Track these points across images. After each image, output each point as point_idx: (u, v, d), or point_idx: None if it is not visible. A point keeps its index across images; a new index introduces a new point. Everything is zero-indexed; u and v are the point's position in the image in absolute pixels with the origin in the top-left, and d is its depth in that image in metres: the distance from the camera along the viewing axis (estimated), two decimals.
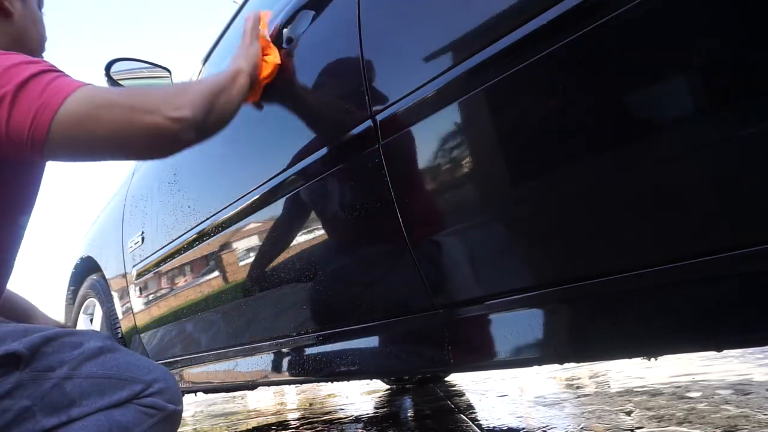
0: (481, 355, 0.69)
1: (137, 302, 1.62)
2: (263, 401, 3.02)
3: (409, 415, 1.86)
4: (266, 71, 0.93)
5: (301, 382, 1.12)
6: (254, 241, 1.10)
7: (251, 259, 1.11)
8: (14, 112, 0.67)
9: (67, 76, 0.73)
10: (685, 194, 0.49)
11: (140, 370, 0.81)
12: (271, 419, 2.21)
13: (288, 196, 0.96)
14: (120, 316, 1.72)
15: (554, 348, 0.61)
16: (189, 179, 1.35)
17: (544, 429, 1.30)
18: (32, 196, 0.85)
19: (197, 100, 0.75)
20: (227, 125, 0.82)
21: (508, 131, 0.63)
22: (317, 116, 0.91)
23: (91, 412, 0.74)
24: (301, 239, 0.97)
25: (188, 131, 0.74)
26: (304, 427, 1.86)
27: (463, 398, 1.98)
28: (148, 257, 1.51)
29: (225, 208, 1.13)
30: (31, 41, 0.86)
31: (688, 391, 1.48)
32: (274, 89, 1.04)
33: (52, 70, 0.72)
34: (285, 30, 0.99)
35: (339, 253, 0.92)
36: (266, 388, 2.33)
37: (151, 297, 1.55)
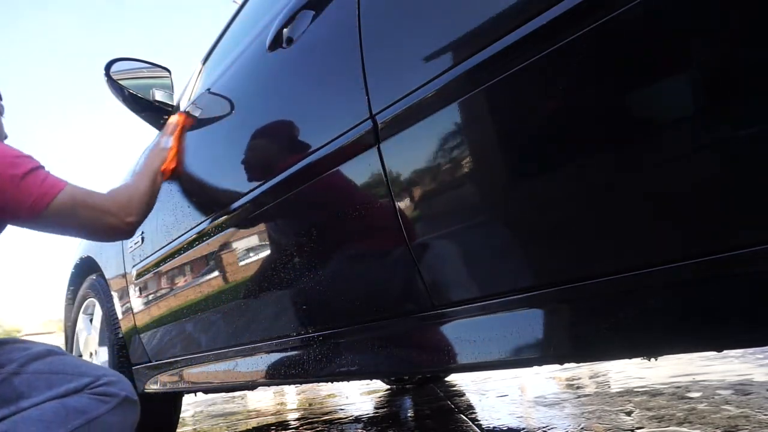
0: (480, 355, 0.69)
1: (137, 302, 1.62)
2: (263, 401, 3.02)
3: (409, 415, 1.86)
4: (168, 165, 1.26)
5: (301, 382, 1.12)
6: (254, 241, 1.10)
7: (251, 259, 1.11)
8: (20, 189, 0.90)
9: (50, 173, 0.99)
10: (684, 194, 0.49)
11: (88, 368, 0.90)
12: (271, 419, 2.21)
13: (288, 196, 0.96)
14: (120, 316, 1.72)
15: (554, 348, 0.61)
16: (189, 179, 1.35)
17: (544, 429, 1.30)
18: None
19: (141, 208, 1.10)
20: None
21: (508, 131, 0.63)
22: (317, 116, 0.91)
23: (42, 402, 0.82)
24: (301, 239, 0.96)
25: (132, 230, 1.09)
26: (304, 427, 1.86)
27: (463, 398, 1.98)
28: (147, 257, 1.51)
29: (225, 208, 1.13)
30: None
31: (688, 391, 1.48)
32: (274, 89, 1.04)
33: (42, 167, 0.97)
34: (285, 30, 0.99)
35: (339, 254, 0.92)
36: (266, 388, 2.33)
37: (150, 297, 1.54)
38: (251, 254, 1.11)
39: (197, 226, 1.24)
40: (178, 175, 1.31)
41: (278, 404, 2.78)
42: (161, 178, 1.22)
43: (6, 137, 1.13)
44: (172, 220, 1.37)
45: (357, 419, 1.87)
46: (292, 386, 3.08)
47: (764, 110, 0.43)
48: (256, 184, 1.03)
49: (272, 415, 2.36)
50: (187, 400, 3.47)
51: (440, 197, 0.71)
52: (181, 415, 1.92)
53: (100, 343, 1.81)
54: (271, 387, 2.08)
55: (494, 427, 1.40)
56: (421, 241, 0.74)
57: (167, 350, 1.54)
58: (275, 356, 1.10)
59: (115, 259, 1.74)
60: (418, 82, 0.69)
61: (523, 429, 1.35)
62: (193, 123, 1.32)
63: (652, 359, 1.07)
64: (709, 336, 0.50)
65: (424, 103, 0.68)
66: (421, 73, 0.69)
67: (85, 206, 0.99)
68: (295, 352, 1.04)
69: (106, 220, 1.02)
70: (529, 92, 0.59)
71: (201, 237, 1.24)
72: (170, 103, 1.52)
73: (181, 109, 1.46)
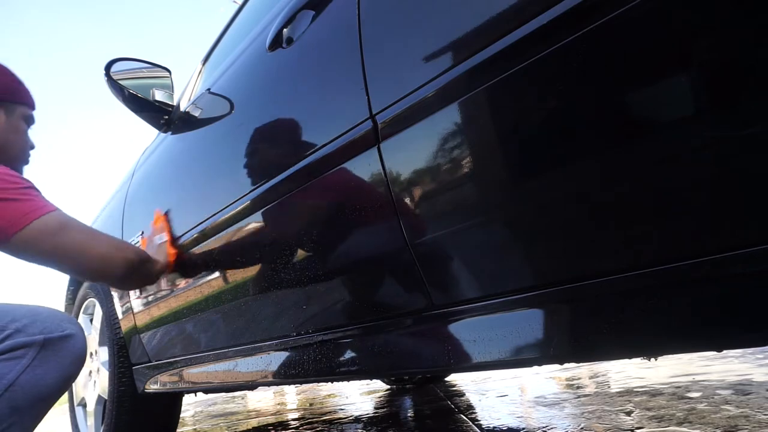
0: (480, 355, 0.69)
1: (137, 302, 1.62)
2: (263, 401, 3.02)
3: (409, 415, 1.86)
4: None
5: (301, 382, 1.12)
6: (254, 241, 1.10)
7: (251, 260, 1.11)
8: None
9: (40, 196, 0.95)
10: (684, 194, 0.49)
11: None
12: (271, 419, 2.21)
13: (288, 196, 0.96)
14: (120, 316, 1.72)
15: (554, 348, 0.61)
16: (190, 178, 1.35)
17: (544, 429, 1.30)
18: None
19: (133, 257, 1.08)
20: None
21: (508, 131, 0.63)
22: (317, 116, 0.91)
23: None
24: (301, 239, 0.97)
25: (124, 269, 1.04)
26: (304, 427, 1.86)
27: (463, 398, 1.98)
28: None
29: (224, 208, 1.13)
30: (11, 149, 1.07)
31: (688, 391, 1.48)
32: (274, 89, 1.04)
33: (31, 187, 0.94)
34: (285, 30, 0.99)
35: (338, 254, 0.92)
36: (266, 388, 2.33)
37: (150, 297, 1.55)
38: (251, 254, 1.11)
39: (197, 226, 1.24)
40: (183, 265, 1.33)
41: (278, 404, 2.78)
42: (159, 266, 1.23)
43: (33, 147, 1.16)
44: (172, 220, 1.37)
45: (357, 419, 1.87)
46: (292, 386, 3.08)
47: (764, 110, 0.43)
48: (255, 184, 1.03)
49: (272, 415, 2.36)
50: (187, 400, 3.47)
51: (440, 197, 0.71)
52: (181, 415, 1.92)
53: (100, 343, 1.81)
54: (271, 387, 2.08)
55: (494, 427, 1.40)
56: (421, 241, 0.74)
57: (167, 350, 1.54)
58: (275, 356, 1.10)
59: None
60: (418, 82, 0.69)
61: (523, 429, 1.35)
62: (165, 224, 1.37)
63: (652, 359, 1.07)
64: (709, 336, 0.50)
65: (424, 103, 0.68)
66: (421, 73, 0.69)
67: (71, 228, 0.95)
68: (295, 352, 1.04)
69: (99, 250, 1.00)
70: (530, 92, 0.59)
71: (201, 237, 1.24)
72: (170, 103, 1.52)
73: (182, 108, 1.46)
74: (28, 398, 0.71)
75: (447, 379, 2.62)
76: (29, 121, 1.13)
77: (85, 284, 1.98)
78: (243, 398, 3.31)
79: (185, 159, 1.39)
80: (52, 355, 0.75)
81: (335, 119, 0.86)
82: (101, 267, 0.99)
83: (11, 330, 0.74)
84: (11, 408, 0.70)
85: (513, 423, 1.43)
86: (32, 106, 1.14)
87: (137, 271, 1.10)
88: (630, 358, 0.61)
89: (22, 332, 0.74)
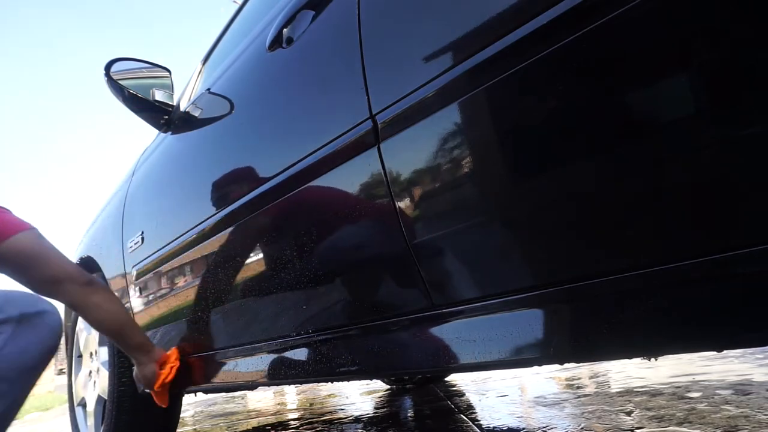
0: (480, 355, 0.69)
1: (137, 302, 1.62)
2: (263, 401, 3.02)
3: (409, 415, 1.86)
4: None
5: (301, 382, 1.12)
6: (254, 241, 1.10)
7: (251, 260, 1.11)
8: None
9: (14, 215, 0.99)
10: (684, 194, 0.49)
11: None
12: (271, 419, 2.21)
13: (288, 196, 0.96)
14: None
15: (554, 348, 0.61)
16: (190, 178, 1.35)
17: (544, 429, 1.30)
18: None
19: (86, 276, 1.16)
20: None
21: (508, 131, 0.63)
22: (317, 116, 0.91)
23: None
24: (301, 239, 0.96)
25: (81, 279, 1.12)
26: (304, 427, 1.86)
27: (463, 398, 1.98)
28: (148, 257, 1.51)
29: (224, 208, 1.13)
30: None
31: (688, 391, 1.48)
32: (274, 89, 1.04)
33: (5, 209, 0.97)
34: (285, 30, 0.99)
35: (338, 254, 0.92)
36: (266, 388, 2.33)
37: (151, 297, 1.54)
38: (251, 254, 1.11)
39: (197, 226, 1.24)
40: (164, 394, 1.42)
41: (278, 404, 2.78)
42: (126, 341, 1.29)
43: None
44: (173, 220, 1.37)
45: (357, 419, 1.87)
46: (292, 386, 3.08)
47: (764, 110, 0.43)
48: (256, 184, 1.03)
49: (272, 415, 2.36)
50: (187, 400, 3.47)
51: (440, 197, 0.71)
52: (181, 415, 1.92)
53: (100, 343, 1.81)
54: (271, 387, 2.08)
55: (494, 427, 1.40)
56: (421, 241, 0.74)
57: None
58: (275, 356, 1.10)
59: (115, 259, 1.74)
60: (418, 82, 0.69)
61: (523, 429, 1.35)
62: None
63: (652, 359, 1.07)
64: (709, 336, 0.50)
65: (424, 103, 0.68)
66: (421, 73, 0.69)
67: (47, 247, 1.00)
68: (295, 352, 1.04)
69: (63, 265, 1.07)
70: (530, 92, 0.59)
71: (201, 237, 1.24)
72: (170, 103, 1.52)
73: (182, 108, 1.46)
74: (14, 368, 0.78)
75: (447, 379, 2.62)
76: None
77: None
78: (243, 398, 3.31)
79: (186, 159, 1.39)
80: (31, 329, 0.82)
81: (335, 119, 0.86)
82: (60, 278, 1.06)
83: None
84: None
85: (513, 423, 1.43)
86: None
87: (96, 289, 1.18)
88: (630, 358, 0.61)
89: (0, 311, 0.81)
